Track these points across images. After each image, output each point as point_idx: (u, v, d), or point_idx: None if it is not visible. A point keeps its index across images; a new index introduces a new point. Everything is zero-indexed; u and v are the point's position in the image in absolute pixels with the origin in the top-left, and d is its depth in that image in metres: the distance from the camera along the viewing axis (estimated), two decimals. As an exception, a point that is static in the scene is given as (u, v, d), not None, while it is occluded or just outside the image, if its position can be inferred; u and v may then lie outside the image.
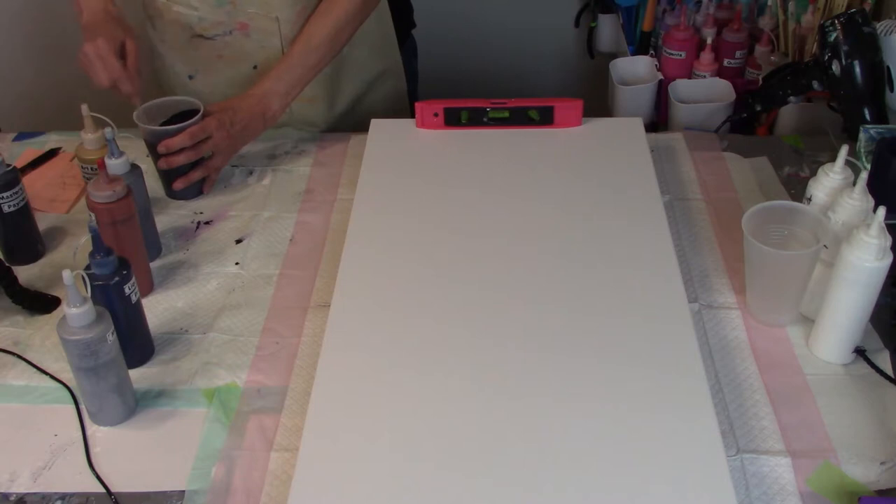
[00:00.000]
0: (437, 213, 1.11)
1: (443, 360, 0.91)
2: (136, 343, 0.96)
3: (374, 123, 1.29)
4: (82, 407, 0.91)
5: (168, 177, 1.22)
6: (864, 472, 0.83)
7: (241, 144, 1.26)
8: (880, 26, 1.24)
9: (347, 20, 1.27)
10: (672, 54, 1.69)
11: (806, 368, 0.94)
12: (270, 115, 1.25)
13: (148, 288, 1.07)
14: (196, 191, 1.24)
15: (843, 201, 0.93)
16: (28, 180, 1.27)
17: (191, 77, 1.35)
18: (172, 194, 1.24)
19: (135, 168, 1.10)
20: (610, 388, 0.87)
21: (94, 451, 0.88)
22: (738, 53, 1.68)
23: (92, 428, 0.90)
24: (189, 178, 1.21)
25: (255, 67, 1.32)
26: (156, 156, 1.20)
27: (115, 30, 1.20)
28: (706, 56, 1.65)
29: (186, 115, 1.21)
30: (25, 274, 1.09)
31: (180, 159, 1.19)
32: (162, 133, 1.19)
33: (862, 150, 1.17)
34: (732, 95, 1.51)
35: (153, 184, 1.22)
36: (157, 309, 1.05)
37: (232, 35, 1.30)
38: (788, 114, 1.45)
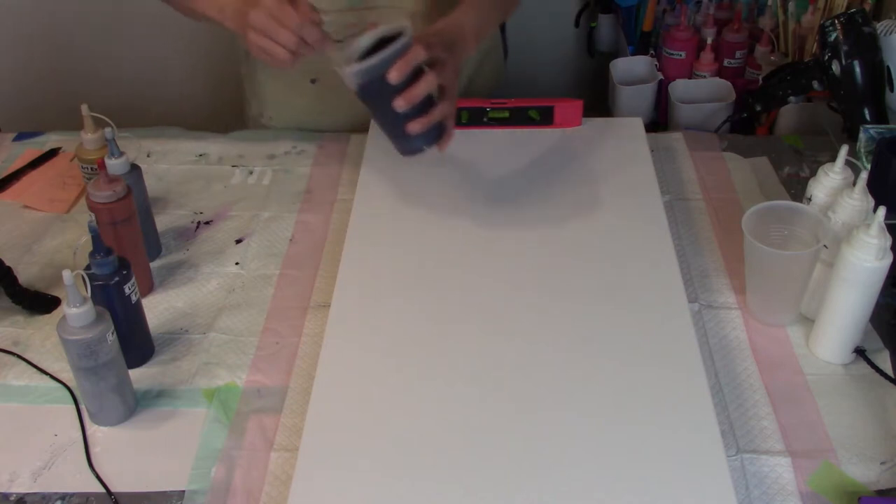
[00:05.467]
0: (437, 212, 1.11)
1: (443, 359, 0.91)
2: (136, 343, 0.96)
3: (374, 123, 1.29)
4: (82, 407, 0.91)
5: (397, 123, 0.97)
6: (864, 472, 0.83)
7: (458, 69, 1.05)
8: (880, 26, 1.24)
9: None
10: (672, 54, 1.69)
11: (806, 368, 0.94)
12: (470, 45, 1.08)
13: (148, 288, 1.07)
14: (434, 137, 1.00)
15: (843, 201, 0.93)
16: (28, 180, 1.27)
17: (313, 81, 1.30)
18: (409, 147, 1.00)
19: (135, 168, 1.10)
20: (610, 387, 0.87)
21: (94, 451, 0.88)
22: (738, 53, 1.68)
23: (92, 428, 0.90)
24: (430, 116, 0.97)
25: None
26: (379, 101, 0.96)
27: None
28: (706, 56, 1.65)
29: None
30: (25, 274, 1.09)
31: (421, 88, 0.95)
32: (383, 64, 0.93)
33: (862, 150, 1.17)
34: (732, 95, 1.51)
35: (153, 184, 1.22)
36: (157, 309, 1.05)
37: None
38: (788, 114, 1.45)
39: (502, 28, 1.54)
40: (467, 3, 1.12)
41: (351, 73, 0.95)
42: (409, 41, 0.94)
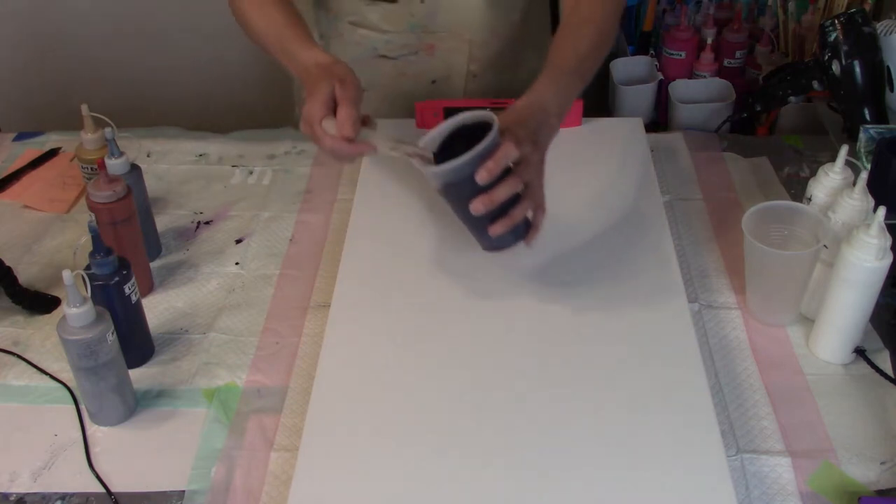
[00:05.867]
0: (437, 212, 1.11)
1: (443, 359, 0.91)
2: (136, 343, 0.96)
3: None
4: (82, 407, 0.91)
5: (481, 221, 0.91)
6: (864, 472, 0.83)
7: (544, 161, 0.97)
8: (880, 26, 1.24)
9: (611, 26, 1.12)
10: (672, 54, 1.68)
11: (806, 368, 0.94)
12: (554, 126, 1.00)
13: (148, 288, 1.07)
14: (521, 233, 0.94)
15: (843, 201, 0.93)
16: (28, 180, 1.27)
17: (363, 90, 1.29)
18: (493, 244, 0.94)
19: (135, 168, 1.10)
20: (610, 387, 0.87)
21: (94, 451, 0.88)
22: (738, 53, 1.68)
23: (92, 428, 0.90)
24: (513, 217, 0.90)
25: (433, 82, 1.29)
26: (463, 199, 0.89)
27: (321, 85, 0.95)
28: (706, 56, 1.64)
29: (455, 145, 0.91)
30: (25, 274, 1.09)
31: (502, 192, 0.87)
32: (471, 163, 0.86)
33: (862, 150, 1.17)
34: (732, 95, 1.51)
35: (153, 184, 1.22)
36: (157, 309, 1.05)
37: (417, 55, 1.27)
38: (788, 114, 1.45)
39: None
40: (548, 74, 1.02)
41: (435, 173, 0.88)
42: (497, 138, 0.87)
